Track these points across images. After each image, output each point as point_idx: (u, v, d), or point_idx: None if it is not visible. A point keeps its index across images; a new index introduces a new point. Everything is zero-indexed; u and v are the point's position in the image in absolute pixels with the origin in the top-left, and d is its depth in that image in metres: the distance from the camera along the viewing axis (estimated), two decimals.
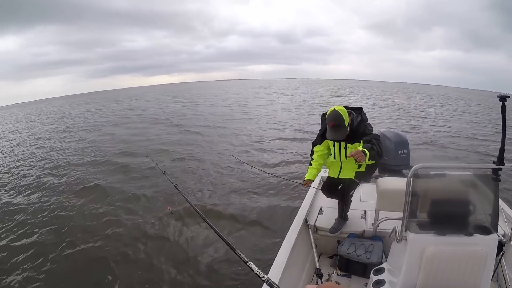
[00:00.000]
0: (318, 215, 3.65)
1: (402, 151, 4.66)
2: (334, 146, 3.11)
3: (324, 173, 3.96)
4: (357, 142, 2.88)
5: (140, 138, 15.01)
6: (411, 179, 1.99)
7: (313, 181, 3.31)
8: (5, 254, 5.10)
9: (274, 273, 2.60)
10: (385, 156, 4.76)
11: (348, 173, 3.20)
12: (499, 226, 2.11)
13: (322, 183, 3.63)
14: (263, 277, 0.58)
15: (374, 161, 2.82)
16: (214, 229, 1.04)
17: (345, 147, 3.04)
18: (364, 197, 4.00)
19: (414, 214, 2.11)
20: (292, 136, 13.87)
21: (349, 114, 2.87)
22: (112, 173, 9.40)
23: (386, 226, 3.07)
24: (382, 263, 2.72)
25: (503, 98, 1.98)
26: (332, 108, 2.82)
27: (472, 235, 1.98)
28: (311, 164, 3.30)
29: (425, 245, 1.99)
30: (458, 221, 2.02)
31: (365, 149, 2.57)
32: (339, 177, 3.26)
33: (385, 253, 3.07)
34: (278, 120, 19.24)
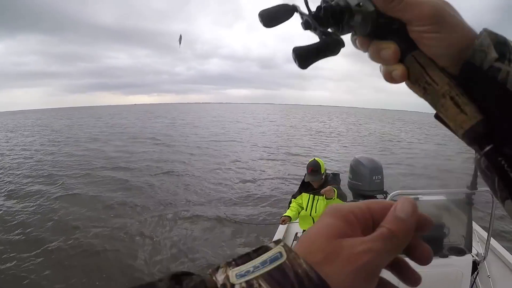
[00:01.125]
0: (293, 241, 3.57)
1: (377, 177, 4.69)
2: (308, 200, 3.55)
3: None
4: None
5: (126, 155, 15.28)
6: None
7: (291, 220, 3.50)
8: None
9: None
10: (359, 181, 4.80)
11: None
12: (472, 246, 2.17)
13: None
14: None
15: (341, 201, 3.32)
16: None
17: (317, 201, 3.47)
18: None
19: None
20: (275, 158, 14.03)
21: (327, 173, 3.55)
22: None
23: None
24: None
25: None
26: (313, 158, 3.51)
27: (447, 256, 2.01)
28: (288, 207, 3.68)
29: None
30: (433, 244, 2.01)
31: (334, 188, 3.19)
32: (307, 210, 3.56)
33: None
34: (260, 143, 19.59)
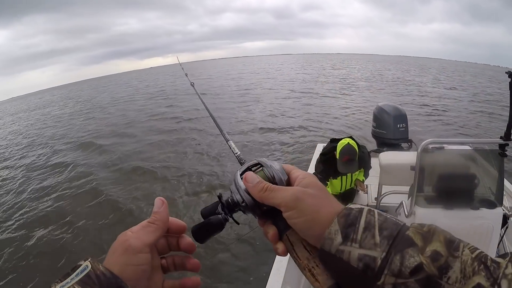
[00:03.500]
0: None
1: (401, 125, 4.64)
2: (341, 184, 3.13)
3: None
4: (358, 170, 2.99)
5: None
6: (421, 154, 1.98)
7: None
8: None
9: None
10: (383, 130, 4.76)
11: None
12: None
13: None
14: (236, 153, 0.63)
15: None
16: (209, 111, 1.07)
17: (346, 179, 3.10)
18: None
19: (421, 188, 2.10)
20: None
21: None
22: None
23: (389, 200, 3.08)
24: None
25: None
26: (346, 142, 2.76)
27: (479, 208, 1.98)
28: None
29: (434, 219, 1.97)
30: (464, 195, 2.02)
31: (362, 178, 3.08)
32: (341, 190, 3.26)
33: None
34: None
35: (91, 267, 0.37)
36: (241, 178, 0.47)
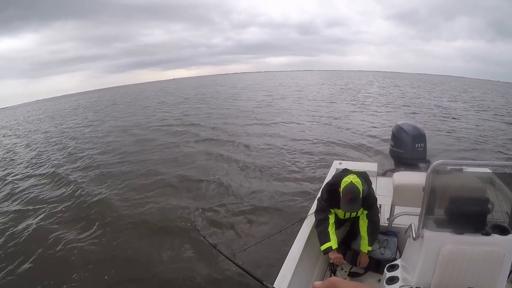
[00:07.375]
0: None
1: (419, 145, 4.55)
2: (344, 215, 3.03)
3: None
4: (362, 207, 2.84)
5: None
6: (431, 175, 1.93)
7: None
8: None
9: (288, 268, 2.59)
10: (401, 149, 4.68)
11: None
12: None
13: None
14: None
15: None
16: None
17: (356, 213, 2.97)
18: (379, 191, 3.87)
19: (432, 211, 2.04)
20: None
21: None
22: None
23: (401, 221, 3.01)
24: (396, 259, 2.68)
25: None
26: (349, 180, 2.67)
27: (490, 235, 1.89)
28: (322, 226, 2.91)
29: (442, 243, 1.92)
30: (476, 220, 1.93)
31: (367, 249, 2.89)
32: (344, 217, 3.11)
33: (399, 249, 3.02)
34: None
35: None
36: None
